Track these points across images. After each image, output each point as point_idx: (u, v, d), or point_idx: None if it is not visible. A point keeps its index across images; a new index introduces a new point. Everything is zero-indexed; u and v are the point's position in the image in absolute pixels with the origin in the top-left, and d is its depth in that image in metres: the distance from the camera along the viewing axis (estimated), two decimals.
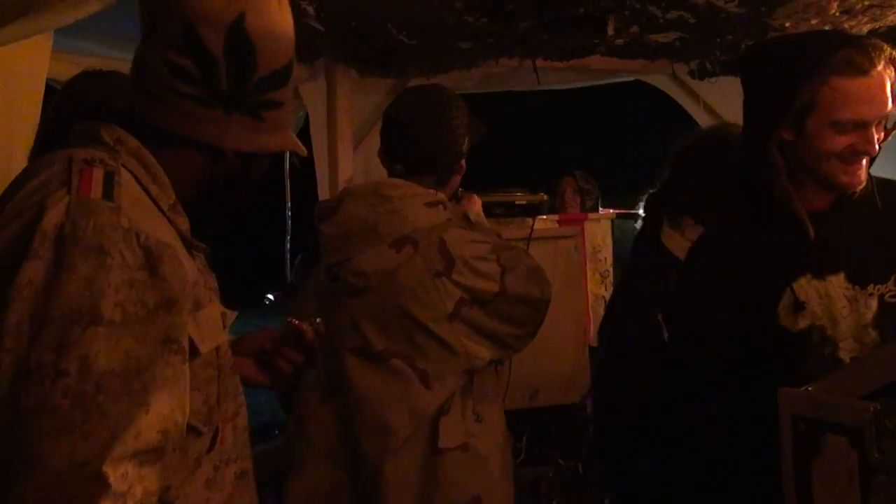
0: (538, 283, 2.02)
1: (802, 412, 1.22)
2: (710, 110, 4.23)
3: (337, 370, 1.94)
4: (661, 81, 4.20)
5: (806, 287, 1.65)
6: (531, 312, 2.02)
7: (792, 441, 1.24)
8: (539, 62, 3.63)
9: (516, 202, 3.08)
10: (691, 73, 3.90)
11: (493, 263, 1.93)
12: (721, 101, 4.22)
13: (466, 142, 2.04)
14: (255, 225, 3.70)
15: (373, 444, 1.89)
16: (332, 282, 1.94)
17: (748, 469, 1.59)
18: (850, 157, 1.61)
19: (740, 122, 4.30)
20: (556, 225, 3.26)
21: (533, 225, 3.01)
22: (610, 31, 2.79)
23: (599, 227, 3.48)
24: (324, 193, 3.53)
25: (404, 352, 1.89)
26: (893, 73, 1.59)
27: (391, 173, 2.03)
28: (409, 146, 2.00)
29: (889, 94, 1.59)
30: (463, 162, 2.06)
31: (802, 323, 1.64)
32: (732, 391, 1.70)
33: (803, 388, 1.27)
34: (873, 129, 1.60)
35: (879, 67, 1.57)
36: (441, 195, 1.97)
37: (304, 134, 3.57)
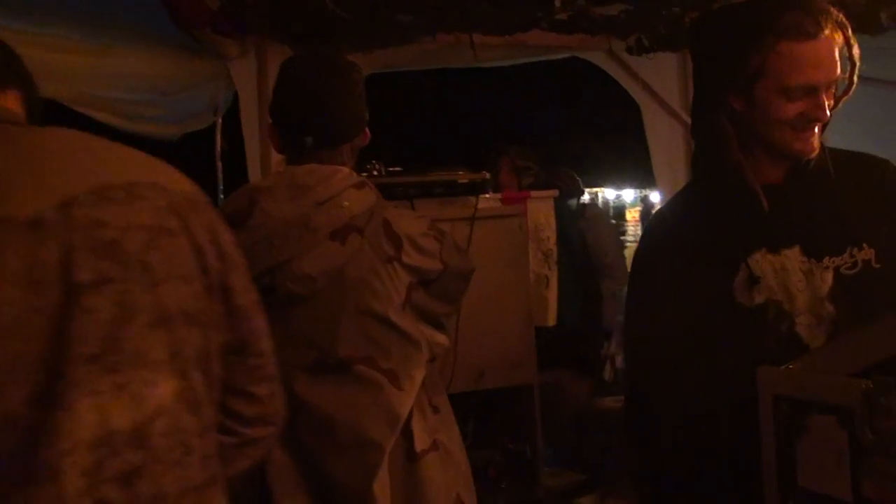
0: (463, 253, 1.93)
1: (785, 391, 1.17)
2: (646, 87, 4.23)
3: (288, 396, 1.66)
4: (597, 58, 4.16)
5: (761, 261, 1.61)
6: (463, 286, 1.90)
7: (774, 422, 1.19)
8: (476, 38, 3.55)
9: (458, 181, 3.00)
10: (629, 50, 3.87)
11: (433, 239, 1.81)
12: (657, 77, 4.22)
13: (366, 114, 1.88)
14: None
15: (353, 467, 1.68)
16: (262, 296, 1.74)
17: (720, 453, 1.55)
18: (802, 124, 1.58)
19: (676, 98, 4.32)
20: (500, 204, 3.19)
21: (476, 204, 2.95)
22: (557, 3, 2.71)
23: (542, 206, 3.43)
24: (255, 176, 3.38)
25: (366, 355, 1.70)
26: (840, 36, 1.56)
27: (297, 149, 1.80)
28: (320, 115, 1.79)
29: (837, 58, 1.55)
30: (367, 131, 1.89)
31: (758, 298, 1.60)
32: (692, 372, 1.65)
33: (784, 366, 1.21)
34: (823, 95, 1.56)
35: (827, 31, 1.53)
36: (361, 175, 1.82)
37: (234, 114, 3.42)
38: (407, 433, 1.73)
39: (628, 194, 23.66)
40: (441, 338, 1.82)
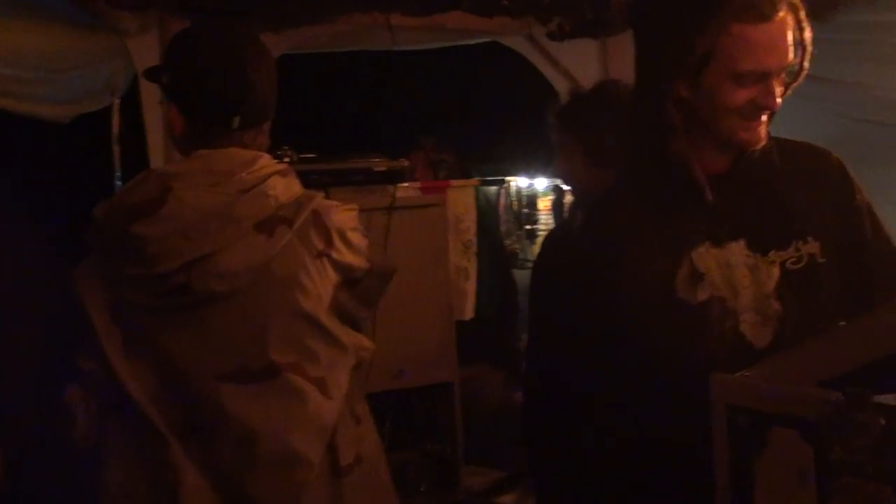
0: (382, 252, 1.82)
1: (741, 402, 1.08)
2: (566, 74, 4.15)
3: (204, 408, 1.52)
4: (517, 43, 4.06)
5: (705, 256, 1.52)
6: (384, 288, 1.75)
7: (728, 435, 1.09)
8: (394, 19, 3.40)
9: (375, 169, 2.87)
10: (549, 35, 3.78)
11: (361, 235, 1.67)
12: (577, 64, 4.14)
13: None
14: (80, 194, 3.34)
15: (278, 486, 1.50)
16: (171, 296, 1.51)
17: (663, 467, 1.46)
18: (751, 112, 1.48)
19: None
20: (419, 193, 3.07)
21: (394, 193, 2.82)
22: None
23: (463, 195, 3.32)
24: (157, 161, 3.16)
25: (294, 360, 1.52)
26: (793, 19, 1.47)
27: (217, 131, 1.60)
28: (251, 91, 1.59)
29: (790, 42, 1.47)
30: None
31: (702, 295, 1.51)
32: (629, 373, 1.56)
33: (739, 373, 1.12)
34: (774, 82, 1.48)
35: (781, 13, 1.44)
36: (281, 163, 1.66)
37: (134, 95, 3.18)
38: (331, 446, 1.57)
39: (540, 183, 23.83)
40: (367, 342, 1.67)
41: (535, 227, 22.52)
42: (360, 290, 1.66)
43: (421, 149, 4.02)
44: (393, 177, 2.88)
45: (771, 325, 1.49)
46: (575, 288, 1.66)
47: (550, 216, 21.52)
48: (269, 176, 1.56)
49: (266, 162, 1.60)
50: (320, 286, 1.56)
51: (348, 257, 1.61)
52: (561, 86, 4.21)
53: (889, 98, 3.60)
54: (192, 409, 1.52)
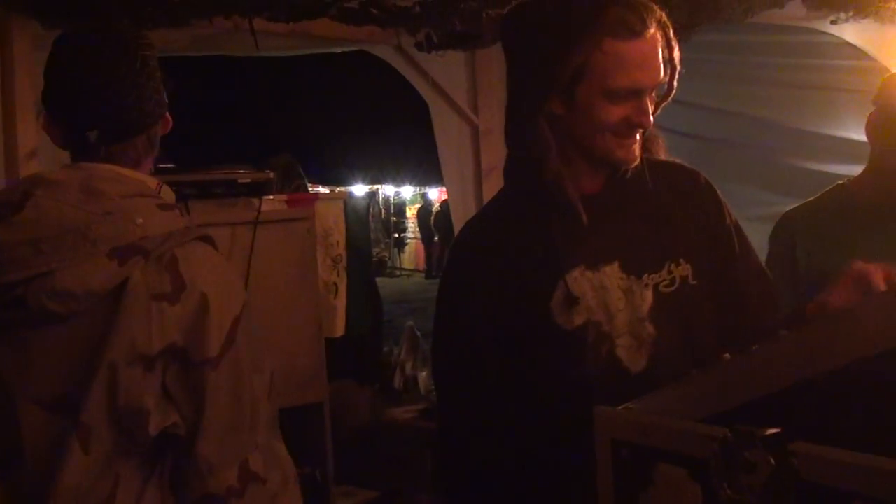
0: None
1: (625, 437, 1.04)
2: (435, 85, 4.12)
3: (12, 432, 1.39)
4: (386, 53, 4.00)
5: (580, 279, 1.49)
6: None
7: (613, 471, 1.05)
8: (258, 24, 3.26)
9: (239, 180, 2.73)
10: (417, 46, 3.73)
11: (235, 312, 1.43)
12: (446, 76, 4.12)
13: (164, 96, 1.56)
14: None
15: None
16: (6, 309, 1.37)
17: (553, 492, 1.43)
18: (625, 129, 1.46)
19: (464, 98, 4.23)
20: (286, 206, 2.94)
21: (260, 206, 2.69)
22: None
23: (332, 208, 3.22)
24: (28, 170, 2.91)
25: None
26: (663, 37, 1.46)
27: (80, 146, 1.48)
28: (106, 104, 1.46)
29: (661, 60, 1.46)
30: (168, 117, 1.57)
31: (578, 320, 1.48)
32: (509, 401, 1.52)
33: (622, 406, 1.08)
34: (647, 99, 1.47)
35: (652, 30, 1.42)
36: (170, 196, 1.51)
37: None
38: None
39: (407, 191, 23.88)
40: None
41: (403, 235, 22.63)
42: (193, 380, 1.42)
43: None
44: (258, 189, 2.75)
45: (646, 349, 1.48)
46: (456, 314, 1.61)
47: (416, 223, 21.66)
48: (145, 204, 1.42)
49: (145, 189, 1.46)
50: (146, 331, 1.38)
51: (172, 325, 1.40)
52: (429, 96, 4.19)
53: (739, 116, 3.75)
54: (4, 430, 1.40)
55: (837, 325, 0.97)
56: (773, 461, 0.85)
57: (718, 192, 1.63)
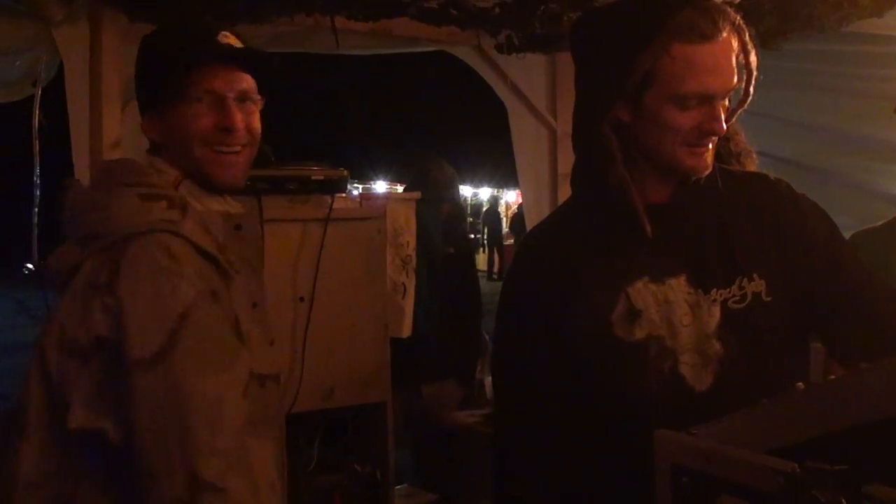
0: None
1: (687, 463, 0.99)
2: (514, 87, 4.08)
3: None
4: (465, 54, 3.98)
5: (643, 292, 1.44)
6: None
7: (673, 497, 1.00)
8: (339, 22, 3.27)
9: (312, 177, 2.73)
10: (498, 48, 3.70)
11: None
12: (525, 78, 4.09)
13: None
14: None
15: None
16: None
17: None
18: (696, 137, 1.41)
19: (543, 101, 4.19)
20: (357, 205, 2.94)
21: (332, 204, 2.69)
22: None
23: (403, 208, 3.21)
24: (82, 159, 2.99)
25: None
26: (737, 41, 1.40)
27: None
28: None
29: (734, 65, 1.40)
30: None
31: (639, 333, 1.43)
32: (566, 413, 1.48)
33: (685, 431, 1.03)
34: (719, 105, 1.40)
35: (725, 34, 1.37)
36: (173, 183, 1.49)
37: (58, 86, 3.01)
38: None
39: (485, 192, 23.88)
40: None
41: (478, 236, 22.66)
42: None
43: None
44: (331, 186, 2.75)
45: (712, 368, 1.42)
46: (516, 322, 1.58)
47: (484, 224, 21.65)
48: (126, 197, 1.43)
49: (137, 179, 1.47)
50: (80, 322, 1.34)
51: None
52: (507, 98, 4.15)
53: (832, 139, 3.56)
54: None
55: None
56: (844, 502, 0.79)
57: (807, 203, 1.54)
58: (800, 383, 0.96)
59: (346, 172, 2.85)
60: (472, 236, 22.46)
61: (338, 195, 2.75)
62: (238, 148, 1.54)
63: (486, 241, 21.18)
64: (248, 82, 1.55)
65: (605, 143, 1.43)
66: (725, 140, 1.56)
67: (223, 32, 1.55)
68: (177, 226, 1.41)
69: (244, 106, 1.54)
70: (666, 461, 1.02)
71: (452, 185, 4.15)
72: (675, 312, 1.44)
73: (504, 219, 21.20)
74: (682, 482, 1.00)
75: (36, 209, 3.12)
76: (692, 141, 1.41)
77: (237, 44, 1.55)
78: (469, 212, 23.65)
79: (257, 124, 1.56)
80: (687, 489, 0.99)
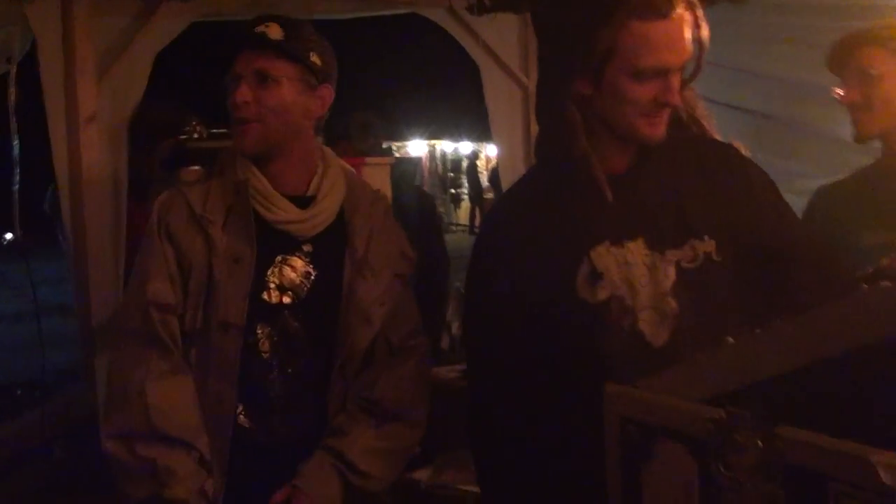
0: None
1: (632, 414, 1.09)
2: (486, 48, 4.12)
3: None
4: (437, 15, 4.01)
5: (604, 255, 1.54)
6: None
7: (620, 445, 1.11)
8: None
9: None
10: (469, 9, 3.74)
11: None
12: (497, 38, 4.12)
13: None
14: None
15: None
16: None
17: (563, 461, 1.49)
18: (653, 108, 1.50)
19: (516, 60, 4.22)
20: None
21: None
22: None
23: (378, 173, 3.27)
24: (58, 132, 3.03)
25: None
26: (691, 17, 1.48)
27: None
28: None
29: (688, 39, 1.48)
30: None
31: (602, 294, 1.53)
32: (534, 371, 1.57)
33: (632, 384, 1.13)
34: (674, 78, 1.49)
35: (679, 10, 1.45)
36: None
37: (31, 61, 3.03)
38: None
39: (465, 147, 23.85)
40: None
41: (459, 190, 22.66)
42: None
43: (348, 139, 3.85)
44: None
45: (668, 324, 1.52)
46: (487, 284, 1.67)
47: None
48: None
49: None
50: None
51: None
52: (481, 59, 4.19)
53: (781, 81, 3.63)
54: None
55: (841, 311, 1.00)
56: (760, 443, 0.89)
57: (754, 166, 1.64)
58: (729, 337, 1.06)
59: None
60: (453, 191, 22.49)
61: None
62: (247, 119, 1.81)
63: (468, 195, 21.27)
64: (266, 62, 1.79)
65: (568, 116, 1.51)
66: (685, 107, 1.64)
67: (264, 24, 1.82)
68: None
69: (262, 84, 1.80)
70: (614, 412, 1.12)
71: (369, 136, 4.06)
72: (633, 273, 1.53)
73: (483, 173, 21.23)
74: (628, 430, 1.10)
75: (16, 185, 3.17)
76: (649, 111, 1.50)
77: (275, 33, 1.80)
78: (449, 167, 23.66)
79: (272, 100, 1.81)
80: (632, 437, 1.09)
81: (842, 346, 0.90)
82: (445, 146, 23.80)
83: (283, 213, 1.85)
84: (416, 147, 21.81)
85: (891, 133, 2.04)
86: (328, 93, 1.90)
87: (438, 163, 23.26)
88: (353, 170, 2.08)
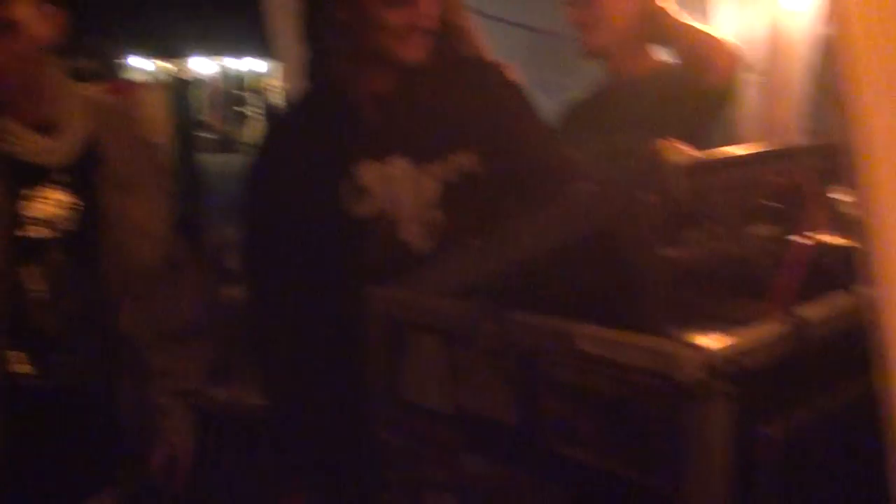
0: None
1: (390, 312, 1.23)
2: None
3: None
4: None
5: (368, 171, 1.64)
6: None
7: (380, 341, 1.24)
8: None
9: None
10: None
11: None
12: None
13: None
14: None
15: None
16: None
17: (330, 361, 1.61)
18: (406, 31, 1.59)
19: None
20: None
21: None
22: None
23: (154, 96, 3.18)
24: None
25: None
26: None
27: None
28: None
29: None
30: None
31: (366, 208, 1.64)
32: (305, 282, 1.68)
33: (389, 286, 1.27)
34: (428, 3, 1.59)
35: None
36: None
37: None
38: None
39: (251, 64, 23.09)
40: None
41: (243, 108, 21.97)
42: None
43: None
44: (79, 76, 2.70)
45: (433, 235, 1.65)
46: (261, 201, 1.74)
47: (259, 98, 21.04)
48: None
49: None
50: None
51: None
52: None
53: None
54: None
55: (555, 212, 1.16)
56: (496, 327, 1.06)
57: (514, 85, 1.76)
58: (475, 240, 1.21)
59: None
60: (239, 109, 21.82)
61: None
62: None
63: (252, 115, 20.66)
64: None
65: (327, 40, 1.59)
66: (452, 25, 1.74)
67: None
68: None
69: None
70: (373, 312, 1.25)
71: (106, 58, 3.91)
72: (397, 188, 1.65)
73: (268, 92, 20.70)
74: (386, 327, 1.24)
75: None
76: (403, 34, 1.60)
77: None
78: (234, 85, 22.84)
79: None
80: (390, 333, 1.23)
81: (556, 240, 1.08)
82: (230, 63, 22.93)
83: (29, 143, 1.77)
84: (200, 65, 20.87)
85: (611, 50, 2.19)
86: (57, 15, 1.77)
87: (220, 81, 22.41)
88: (104, 93, 2.03)
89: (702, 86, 1.99)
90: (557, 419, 1.00)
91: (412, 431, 1.24)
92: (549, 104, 2.10)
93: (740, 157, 1.16)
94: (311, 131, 1.68)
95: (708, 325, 0.99)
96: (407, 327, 1.20)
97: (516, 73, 1.80)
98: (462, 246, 1.28)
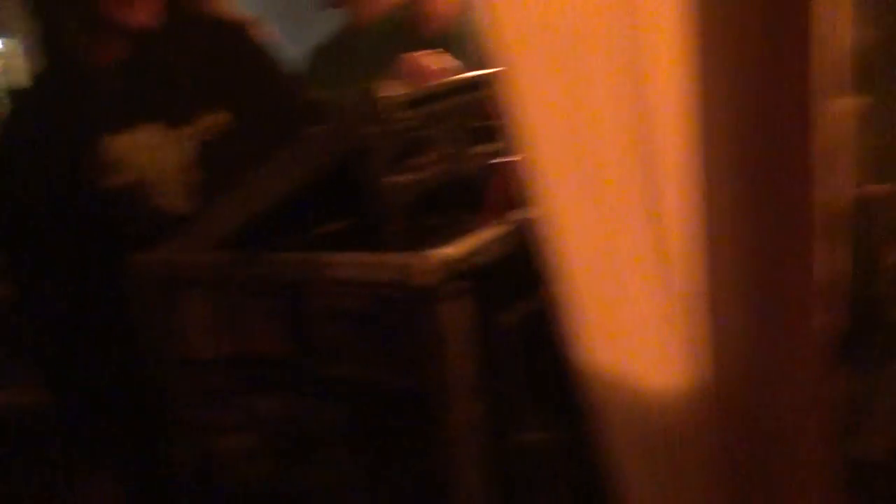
0: None
1: (156, 274, 1.26)
2: None
3: None
4: None
5: (119, 141, 1.63)
6: None
7: (147, 301, 1.28)
8: None
9: None
10: None
11: None
12: None
13: None
14: None
15: None
16: None
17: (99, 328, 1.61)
18: None
19: None
20: None
21: None
22: None
23: None
24: None
25: None
26: None
27: None
28: None
29: None
30: None
31: (121, 179, 1.63)
32: (67, 264, 1.66)
33: (151, 250, 1.30)
34: None
35: None
36: None
37: None
38: None
39: None
40: None
41: None
42: None
43: None
44: None
45: (191, 195, 1.67)
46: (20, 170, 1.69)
47: None
48: None
49: None
50: None
51: None
52: None
53: None
54: None
55: (291, 153, 1.23)
56: (261, 271, 1.13)
57: (256, 35, 1.79)
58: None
59: None
60: None
61: None
62: None
63: None
64: None
65: (55, 13, 1.57)
66: None
67: None
68: None
69: None
70: (138, 276, 1.28)
71: None
72: (151, 154, 1.65)
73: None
74: (152, 288, 1.27)
75: None
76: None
77: None
78: None
79: None
80: (157, 292, 1.27)
81: (300, 179, 1.16)
82: None
83: None
84: None
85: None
86: None
87: None
88: None
89: (425, 33, 2.13)
90: (322, 344, 1.10)
91: (198, 383, 1.29)
92: (293, 54, 2.16)
93: (457, 83, 1.28)
94: (53, 109, 1.64)
95: (443, 237, 1.11)
96: (174, 286, 1.24)
97: (258, 27, 1.84)
98: (215, 199, 1.32)
